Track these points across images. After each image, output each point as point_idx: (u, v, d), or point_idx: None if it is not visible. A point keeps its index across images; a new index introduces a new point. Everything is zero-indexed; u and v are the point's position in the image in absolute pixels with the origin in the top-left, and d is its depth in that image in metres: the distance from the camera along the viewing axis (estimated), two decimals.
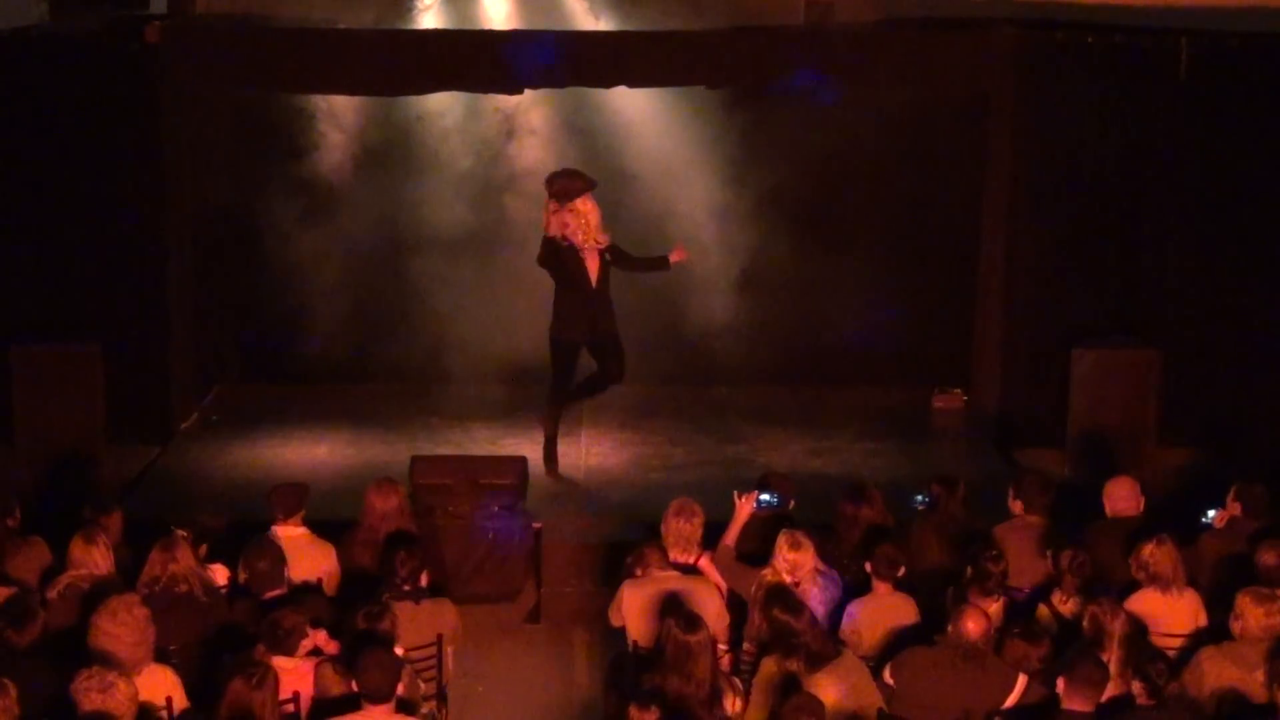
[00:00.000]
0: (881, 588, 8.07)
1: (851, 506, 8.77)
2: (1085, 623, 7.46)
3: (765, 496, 8.75)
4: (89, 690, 6.50)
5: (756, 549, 8.53)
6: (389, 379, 13.43)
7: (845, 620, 7.95)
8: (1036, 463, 11.38)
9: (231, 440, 12.32)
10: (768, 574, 8.10)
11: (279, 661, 7.20)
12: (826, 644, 7.30)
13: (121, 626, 7.01)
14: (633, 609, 8.15)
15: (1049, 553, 8.36)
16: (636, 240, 13.01)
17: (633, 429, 12.54)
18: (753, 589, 8.12)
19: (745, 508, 8.74)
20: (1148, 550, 8.08)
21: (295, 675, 7.21)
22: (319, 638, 7.47)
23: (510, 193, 13.16)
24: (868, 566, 8.12)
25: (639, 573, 8.27)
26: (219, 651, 7.46)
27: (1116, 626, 7.36)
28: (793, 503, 8.99)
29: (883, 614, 7.99)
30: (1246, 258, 11.98)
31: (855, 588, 8.30)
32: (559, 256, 11.16)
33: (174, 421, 12.36)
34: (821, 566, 8.28)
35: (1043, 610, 8.09)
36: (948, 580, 8.26)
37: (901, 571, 8.09)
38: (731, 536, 8.67)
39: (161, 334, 12.10)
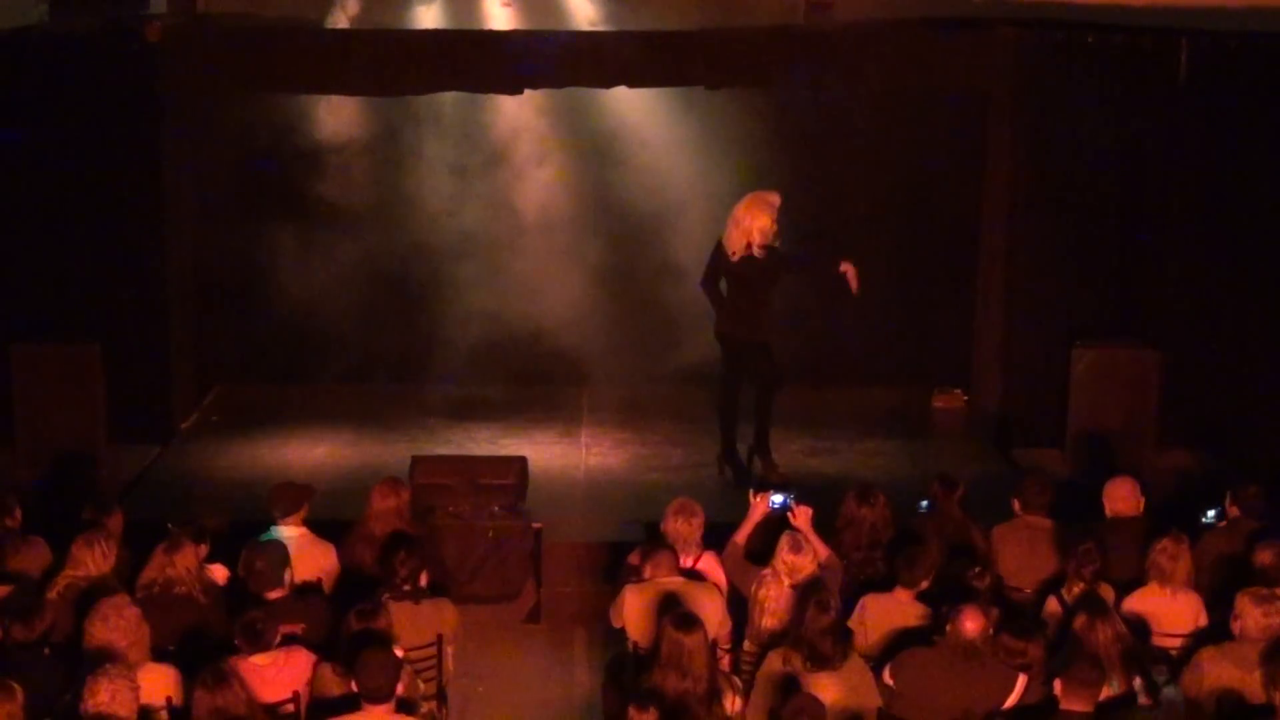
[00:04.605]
0: (902, 595, 8.03)
1: (857, 506, 8.75)
2: (1075, 625, 7.47)
3: (780, 498, 8.74)
4: (96, 692, 6.52)
5: (762, 548, 8.53)
6: (389, 379, 13.44)
7: (856, 610, 7.95)
8: (1036, 463, 11.39)
9: (231, 440, 12.33)
10: (767, 574, 8.12)
11: (257, 659, 7.21)
12: (836, 647, 7.30)
13: (114, 630, 7.02)
14: (634, 612, 8.13)
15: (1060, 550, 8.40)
16: (634, 240, 13.07)
17: (633, 429, 12.54)
18: (752, 588, 8.14)
19: (760, 507, 8.75)
20: (1162, 545, 8.09)
21: (285, 670, 7.24)
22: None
23: (510, 193, 13.17)
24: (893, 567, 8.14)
25: (648, 574, 8.26)
26: (218, 653, 7.45)
27: (1106, 628, 7.37)
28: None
29: (894, 615, 7.97)
30: (1246, 258, 11.98)
31: (855, 587, 8.32)
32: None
33: (174, 421, 12.36)
34: (823, 562, 8.29)
35: (1052, 603, 8.11)
36: (947, 581, 8.25)
37: (925, 585, 8.06)
38: (743, 535, 8.69)
39: (161, 334, 12.11)
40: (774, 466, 11.23)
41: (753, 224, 10.84)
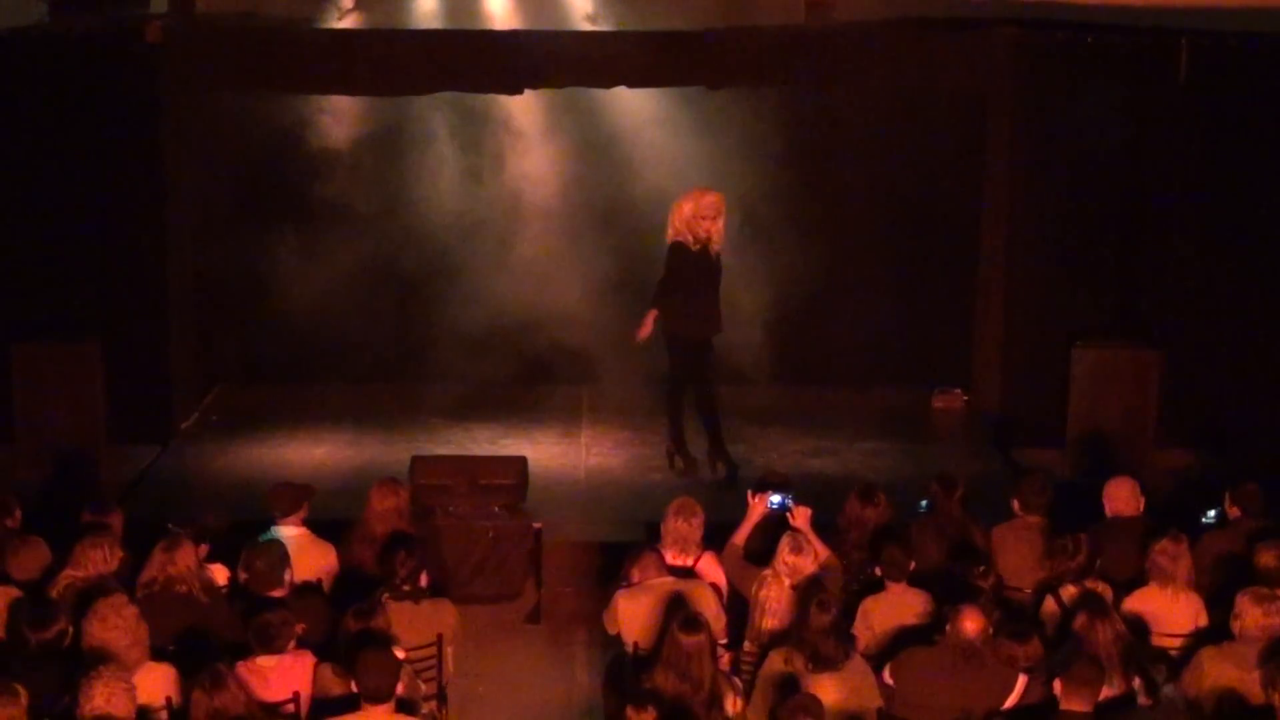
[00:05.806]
0: (895, 588, 8.08)
1: (860, 506, 8.75)
2: (1076, 625, 7.47)
3: (778, 499, 8.74)
4: (92, 696, 6.51)
5: (762, 549, 8.53)
6: (389, 379, 13.44)
7: (858, 616, 7.96)
8: (1036, 463, 11.38)
9: (231, 440, 12.33)
10: (767, 574, 8.12)
11: (262, 660, 7.20)
12: (838, 648, 7.30)
13: (112, 629, 7.01)
14: (628, 616, 8.13)
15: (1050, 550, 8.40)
16: (635, 240, 13.06)
17: (633, 429, 12.53)
18: (753, 589, 8.14)
19: (759, 508, 8.75)
20: (1161, 546, 8.09)
21: (291, 673, 7.22)
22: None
23: (510, 193, 13.17)
24: (877, 570, 8.13)
25: (636, 578, 8.25)
26: (218, 653, 7.45)
27: (1106, 628, 7.37)
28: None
29: (896, 611, 7.99)
30: (1246, 258, 11.99)
31: (855, 588, 8.32)
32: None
33: (174, 421, 12.36)
34: (823, 563, 8.29)
35: (1050, 603, 8.11)
36: (947, 581, 8.25)
37: (912, 566, 8.10)
38: (741, 536, 8.68)
39: (161, 334, 12.12)
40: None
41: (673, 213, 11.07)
